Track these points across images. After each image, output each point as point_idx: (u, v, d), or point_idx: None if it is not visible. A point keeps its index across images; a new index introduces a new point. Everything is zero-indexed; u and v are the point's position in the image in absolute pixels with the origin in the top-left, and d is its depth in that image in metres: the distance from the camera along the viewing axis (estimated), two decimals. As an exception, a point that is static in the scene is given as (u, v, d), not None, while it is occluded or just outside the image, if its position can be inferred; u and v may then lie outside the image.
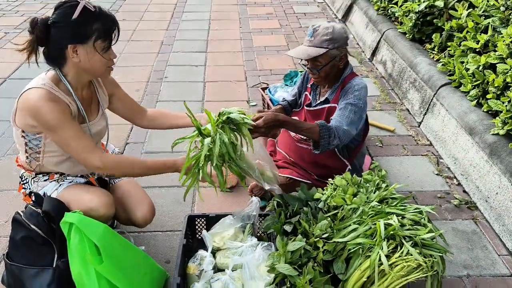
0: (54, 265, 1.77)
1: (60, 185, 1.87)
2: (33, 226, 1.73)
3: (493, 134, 2.47)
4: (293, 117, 2.34)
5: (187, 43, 5.00)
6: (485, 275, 2.07)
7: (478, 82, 2.75)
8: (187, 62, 4.49)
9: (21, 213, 1.79)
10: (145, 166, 1.82)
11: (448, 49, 3.25)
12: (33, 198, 1.83)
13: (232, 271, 1.86)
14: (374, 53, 4.42)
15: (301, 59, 2.17)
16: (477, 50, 2.89)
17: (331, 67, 2.15)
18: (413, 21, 3.68)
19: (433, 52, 3.51)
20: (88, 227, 1.64)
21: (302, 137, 2.27)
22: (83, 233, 1.63)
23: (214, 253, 2.00)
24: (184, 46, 4.91)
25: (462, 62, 2.97)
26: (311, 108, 2.32)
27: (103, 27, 1.63)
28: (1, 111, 3.42)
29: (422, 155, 2.99)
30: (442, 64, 3.22)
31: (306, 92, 2.41)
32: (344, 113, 2.12)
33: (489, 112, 2.65)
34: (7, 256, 1.82)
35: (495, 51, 2.69)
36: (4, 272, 1.87)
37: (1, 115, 3.36)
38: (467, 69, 2.86)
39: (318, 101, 2.29)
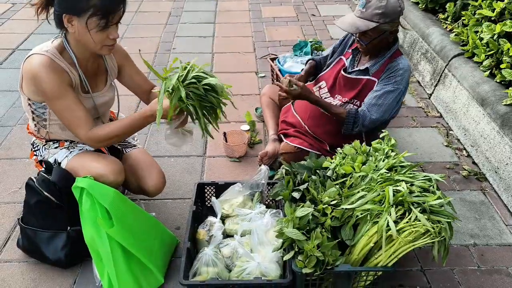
0: (67, 229, 1.83)
1: (71, 152, 1.89)
2: (45, 193, 1.77)
3: (505, 105, 2.43)
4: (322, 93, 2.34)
5: (195, 14, 4.94)
6: (491, 244, 2.08)
7: (492, 52, 2.69)
8: (195, 33, 4.44)
9: (34, 179, 1.83)
10: (129, 127, 1.73)
11: (462, 18, 3.18)
12: (44, 166, 1.86)
13: (241, 236, 1.89)
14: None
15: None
16: (492, 18, 2.82)
17: (379, 41, 2.10)
18: (427, -10, 3.58)
19: (446, 22, 3.43)
20: (98, 192, 1.67)
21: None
22: (94, 197, 1.66)
23: (223, 220, 2.03)
24: (192, 17, 4.85)
25: (476, 32, 2.90)
26: (347, 75, 2.26)
27: (101, 3, 1.53)
28: (10, 82, 3.44)
29: (431, 126, 2.97)
30: (455, 34, 3.15)
31: (342, 57, 2.36)
32: (379, 101, 2.12)
33: (502, 82, 2.61)
34: (22, 220, 1.88)
35: (511, 19, 2.62)
36: (19, 235, 1.93)
37: (10, 85, 3.38)
38: (481, 39, 2.80)
39: (356, 68, 2.24)
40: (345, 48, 2.38)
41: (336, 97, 2.31)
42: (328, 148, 2.32)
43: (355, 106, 2.23)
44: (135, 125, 1.73)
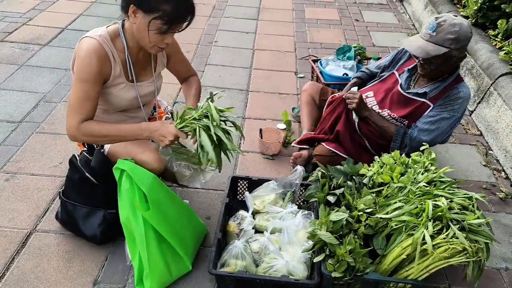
0: (104, 211, 1.88)
1: None
2: (87, 174, 1.82)
3: (552, 130, 2.36)
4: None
5: (239, 9, 4.97)
6: (524, 271, 2.03)
7: (543, 74, 2.61)
8: (237, 28, 4.48)
9: (77, 158, 1.88)
10: (123, 134, 1.71)
11: (514, 37, 3.09)
12: (86, 147, 1.90)
13: (270, 234, 1.91)
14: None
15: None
16: (546, 40, 2.73)
17: (446, 67, 2.04)
18: (479, 4, 3.49)
19: (496, 39, 3.34)
20: (138, 175, 1.70)
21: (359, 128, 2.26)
22: (134, 180, 1.70)
23: (253, 215, 2.05)
24: (235, 12, 4.89)
25: (528, 52, 2.82)
26: (403, 92, 2.20)
27: (172, 11, 1.53)
28: (58, 59, 3.56)
29: (470, 144, 2.90)
30: (505, 53, 3.07)
31: (395, 71, 2.31)
32: (432, 127, 2.08)
33: (551, 106, 2.53)
34: (63, 194, 1.94)
35: None
36: (59, 208, 2.00)
37: (58, 63, 3.50)
38: (533, 60, 2.72)
39: (414, 90, 2.18)
40: (397, 64, 2.33)
41: (384, 111, 2.26)
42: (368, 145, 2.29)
43: (402, 125, 2.20)
44: (130, 134, 1.71)
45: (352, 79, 2.57)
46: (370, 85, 2.41)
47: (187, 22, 1.61)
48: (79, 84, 1.64)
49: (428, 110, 2.12)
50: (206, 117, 1.67)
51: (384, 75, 2.38)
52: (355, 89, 2.29)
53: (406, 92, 2.20)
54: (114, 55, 1.69)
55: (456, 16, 1.98)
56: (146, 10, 1.54)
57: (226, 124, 1.70)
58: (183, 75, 2.08)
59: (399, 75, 2.29)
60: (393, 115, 2.21)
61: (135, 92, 1.81)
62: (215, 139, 1.65)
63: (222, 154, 1.76)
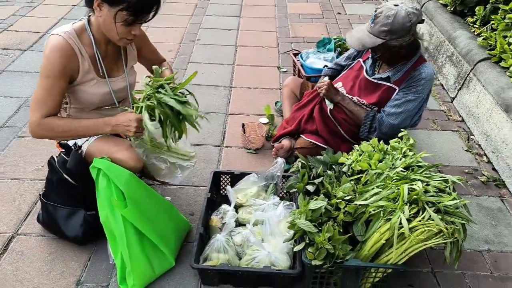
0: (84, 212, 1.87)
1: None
2: (65, 176, 1.81)
3: (530, 112, 2.38)
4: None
5: (221, 7, 4.97)
6: (506, 251, 2.05)
7: (520, 57, 2.64)
8: (220, 26, 4.47)
9: (55, 159, 1.87)
10: (86, 129, 1.70)
11: (491, 22, 3.11)
12: (63, 148, 1.87)
13: (253, 226, 1.91)
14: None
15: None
16: (522, 24, 2.76)
17: (391, 54, 2.08)
18: (457, -8, 3.52)
19: (475, 26, 3.36)
20: (114, 173, 1.68)
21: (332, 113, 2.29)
22: (110, 178, 1.69)
23: (236, 209, 2.06)
24: (218, 9, 4.89)
25: (505, 37, 2.84)
26: (368, 77, 2.24)
27: (137, 2, 1.54)
28: (40, 64, 3.52)
29: (452, 130, 2.92)
30: (483, 39, 3.09)
31: (360, 59, 2.35)
32: (398, 110, 2.11)
33: (528, 89, 2.55)
34: (43, 196, 1.93)
35: (541, 25, 2.56)
36: (40, 211, 1.99)
37: (38, 67, 3.47)
38: (510, 44, 2.75)
39: (378, 75, 2.22)
40: (363, 50, 2.36)
41: (355, 98, 2.28)
42: (345, 134, 2.32)
43: (372, 110, 2.23)
44: (92, 129, 1.70)
45: (322, 76, 2.60)
46: (338, 76, 2.44)
47: (153, 12, 1.61)
48: (43, 80, 1.64)
49: (395, 93, 2.15)
50: (159, 93, 1.62)
51: (351, 63, 2.40)
52: (326, 78, 2.33)
53: (372, 78, 2.23)
54: (81, 50, 1.68)
55: (398, 5, 1.97)
56: (110, 2, 1.55)
57: (181, 97, 1.65)
58: (155, 63, 2.02)
59: (364, 61, 2.32)
60: (363, 101, 2.23)
61: (107, 88, 1.80)
62: (157, 112, 1.60)
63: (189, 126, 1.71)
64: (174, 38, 4.13)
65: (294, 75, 3.27)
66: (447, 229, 1.50)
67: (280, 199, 2.05)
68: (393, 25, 1.95)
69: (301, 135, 2.39)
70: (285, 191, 2.16)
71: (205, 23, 4.52)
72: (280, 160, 2.12)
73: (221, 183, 2.22)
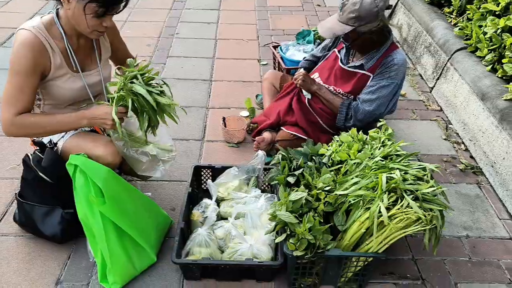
0: (62, 210, 1.83)
1: (66, 132, 1.84)
2: (41, 174, 1.77)
3: (505, 100, 2.43)
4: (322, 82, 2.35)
5: (200, 0, 4.91)
6: (484, 237, 2.09)
7: (495, 46, 2.68)
8: (199, 19, 4.43)
9: (30, 157, 1.82)
10: (60, 124, 1.67)
11: (467, 12, 3.16)
12: (38, 146, 1.83)
13: (235, 219, 1.91)
14: (390, 17, 4.30)
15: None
16: (497, 13, 2.80)
17: (362, 41, 2.10)
18: (433, -17, 3.56)
19: (451, 16, 3.41)
20: (91, 170, 1.64)
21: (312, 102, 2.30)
22: (87, 175, 1.66)
23: (218, 203, 2.05)
24: (197, 3, 4.83)
25: (480, 26, 2.89)
26: (343, 66, 2.27)
27: None
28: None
29: (431, 120, 2.96)
30: (460, 29, 3.13)
31: (335, 49, 2.37)
32: (373, 96, 2.13)
33: (504, 77, 2.60)
34: (19, 195, 1.89)
35: (515, 14, 2.61)
36: (16, 210, 1.95)
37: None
38: (485, 33, 2.79)
39: (352, 64, 2.24)
40: (338, 40, 2.38)
41: (331, 87, 2.31)
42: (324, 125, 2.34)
43: (348, 98, 2.26)
44: (67, 124, 1.67)
45: (299, 68, 2.60)
46: (316, 67, 2.44)
47: (123, 3, 1.58)
48: (13, 77, 1.60)
49: (369, 81, 2.17)
50: (132, 83, 1.59)
51: (327, 54, 2.42)
52: (301, 70, 2.35)
53: (347, 67, 2.25)
54: (51, 45, 1.64)
55: None
56: None
57: (155, 87, 1.63)
58: (123, 57, 1.98)
59: (339, 51, 2.33)
60: (339, 90, 2.25)
61: (81, 82, 1.76)
62: (130, 102, 1.58)
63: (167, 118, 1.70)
64: (152, 32, 4.07)
65: (274, 68, 3.27)
66: (425, 216, 1.52)
67: (261, 192, 2.05)
68: (360, 11, 1.97)
69: (282, 128, 2.39)
70: (266, 184, 2.16)
71: (184, 17, 4.47)
72: (261, 153, 2.12)
73: (202, 177, 2.21)
